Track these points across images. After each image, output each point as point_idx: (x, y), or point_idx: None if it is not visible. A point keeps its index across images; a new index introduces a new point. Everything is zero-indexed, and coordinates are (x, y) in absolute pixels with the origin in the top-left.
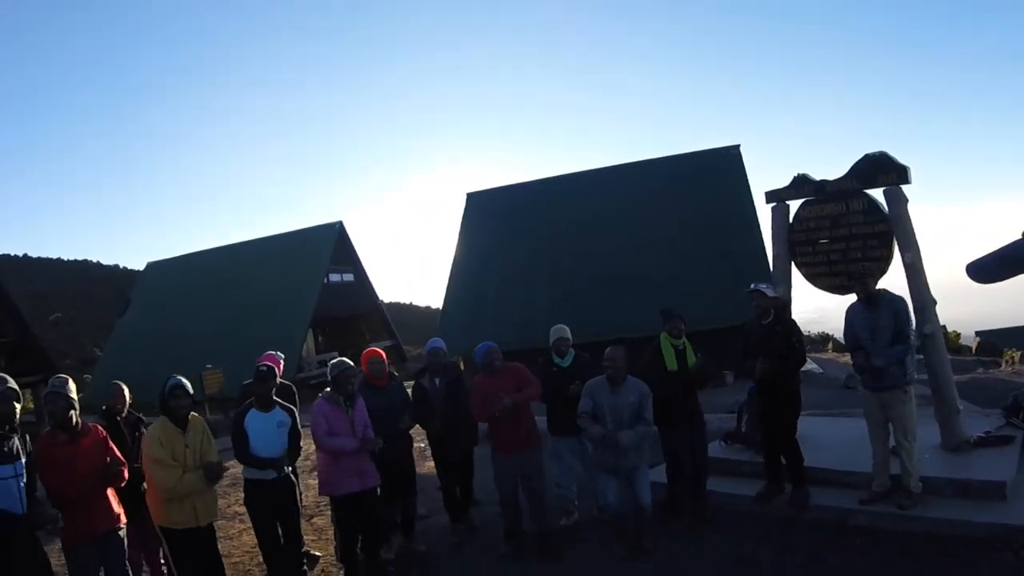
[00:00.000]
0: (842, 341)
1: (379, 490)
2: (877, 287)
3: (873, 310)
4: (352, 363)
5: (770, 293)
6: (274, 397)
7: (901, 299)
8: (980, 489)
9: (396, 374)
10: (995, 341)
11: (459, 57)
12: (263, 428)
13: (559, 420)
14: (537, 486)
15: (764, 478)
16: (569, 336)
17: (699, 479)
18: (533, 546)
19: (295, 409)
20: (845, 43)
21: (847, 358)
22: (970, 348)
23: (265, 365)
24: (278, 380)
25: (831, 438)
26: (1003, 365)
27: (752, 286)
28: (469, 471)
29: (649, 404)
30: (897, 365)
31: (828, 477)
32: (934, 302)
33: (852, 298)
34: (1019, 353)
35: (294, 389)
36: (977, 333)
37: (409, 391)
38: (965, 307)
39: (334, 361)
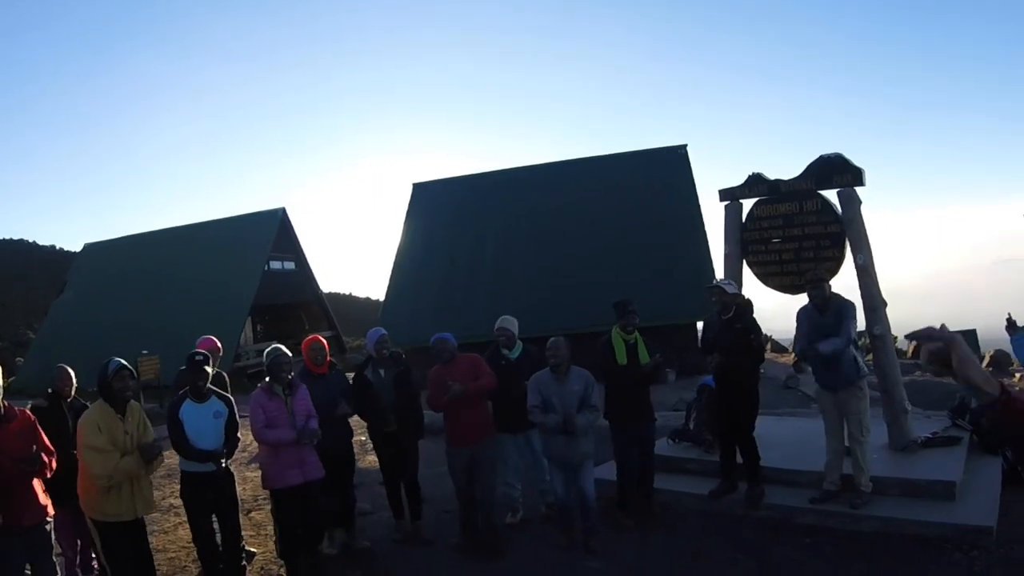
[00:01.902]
0: (780, 342)
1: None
2: (831, 291)
3: (824, 314)
4: (287, 350)
5: (730, 290)
6: (210, 386)
7: (850, 303)
8: (929, 489)
9: (336, 364)
10: None
11: (410, 44)
12: (198, 419)
13: (504, 416)
14: (486, 479)
15: (712, 476)
16: (510, 328)
17: (645, 477)
18: (479, 540)
19: (232, 399)
20: (802, 44)
21: (787, 358)
22: (905, 352)
23: (201, 353)
24: (214, 368)
25: (776, 437)
26: None
27: (714, 282)
28: (415, 466)
29: (594, 390)
30: (849, 363)
31: (775, 476)
32: (884, 304)
33: (800, 299)
34: None
35: (225, 377)
36: (910, 336)
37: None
38: (898, 311)
39: (268, 349)
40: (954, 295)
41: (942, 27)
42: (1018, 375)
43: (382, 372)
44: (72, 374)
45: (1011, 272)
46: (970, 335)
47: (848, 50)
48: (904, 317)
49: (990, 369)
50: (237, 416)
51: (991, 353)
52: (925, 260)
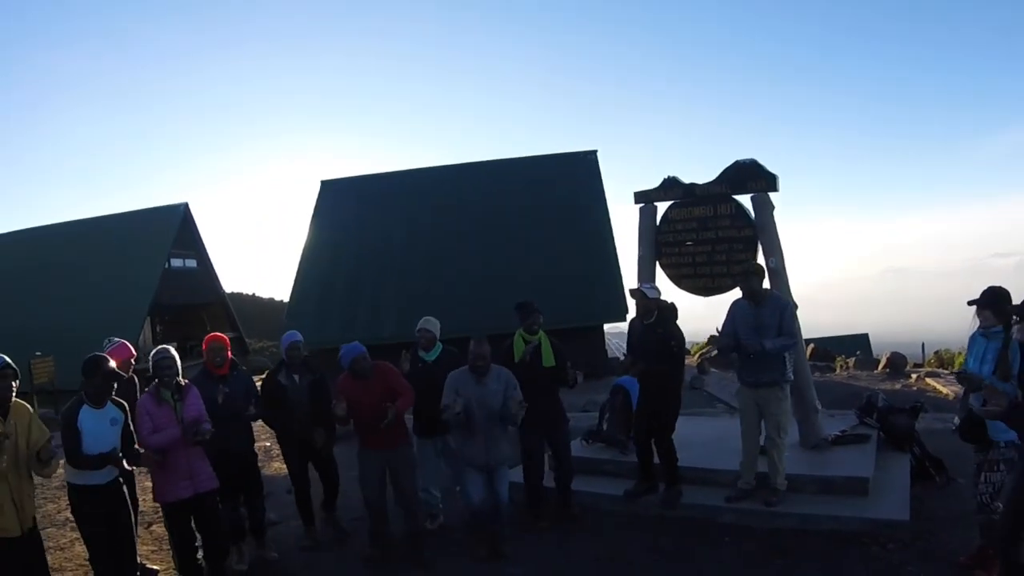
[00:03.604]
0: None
1: (219, 492)
2: (764, 287)
3: (759, 309)
4: (173, 352)
5: (650, 294)
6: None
7: (789, 302)
8: (843, 485)
9: (239, 364)
10: (827, 348)
11: (318, 45)
12: (97, 427)
13: (423, 420)
14: (407, 486)
15: (628, 477)
16: (431, 328)
17: (563, 479)
18: (400, 550)
19: (126, 405)
20: (724, 51)
21: (690, 360)
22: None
23: (97, 356)
24: (114, 379)
25: (690, 437)
26: (837, 370)
27: (636, 286)
28: (334, 472)
29: (515, 381)
30: (778, 363)
31: (692, 475)
32: (796, 306)
33: (710, 301)
34: (852, 359)
35: (136, 380)
36: (808, 340)
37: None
38: (800, 316)
39: (153, 351)
40: (848, 301)
41: (843, 46)
42: (915, 376)
43: (296, 377)
44: None
45: (899, 281)
46: (862, 339)
47: (758, 59)
48: (806, 322)
49: (887, 371)
50: (131, 424)
51: (887, 356)
52: (821, 268)
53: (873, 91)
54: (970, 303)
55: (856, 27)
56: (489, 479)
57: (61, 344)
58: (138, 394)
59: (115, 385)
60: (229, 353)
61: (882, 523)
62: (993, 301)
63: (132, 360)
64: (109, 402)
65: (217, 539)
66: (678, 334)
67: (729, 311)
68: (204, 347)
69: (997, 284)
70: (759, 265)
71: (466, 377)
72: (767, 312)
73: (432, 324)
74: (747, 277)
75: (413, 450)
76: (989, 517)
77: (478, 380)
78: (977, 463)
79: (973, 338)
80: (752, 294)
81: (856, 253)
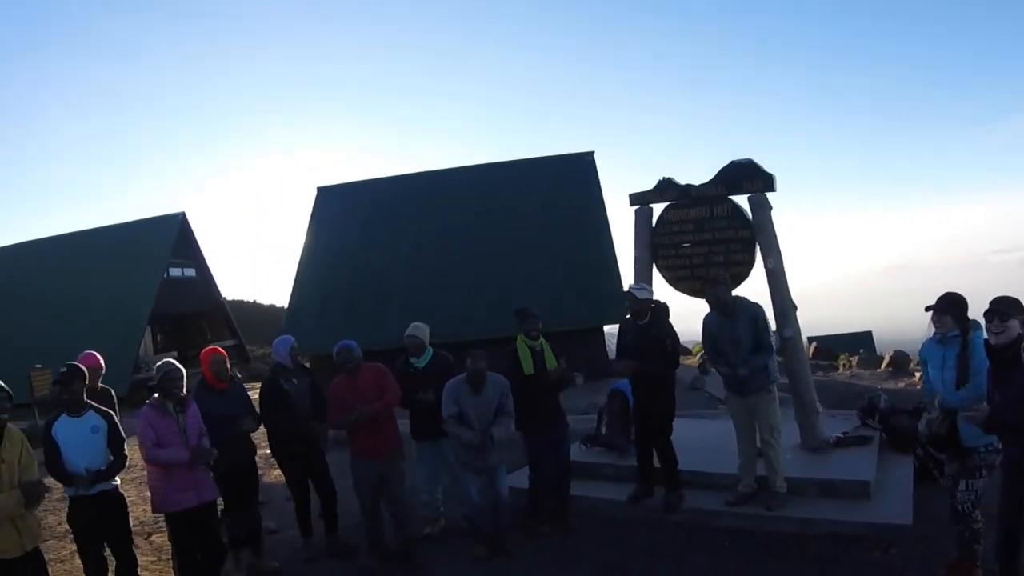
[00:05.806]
0: (684, 344)
1: (220, 503)
2: (734, 294)
3: (731, 320)
4: (178, 364)
5: (640, 295)
6: (87, 400)
7: (758, 306)
8: (844, 489)
9: (238, 376)
10: (830, 346)
11: (314, 48)
12: (75, 435)
13: (420, 424)
14: (397, 493)
15: (627, 481)
16: (419, 335)
17: (562, 483)
18: (396, 558)
19: (112, 412)
20: (722, 50)
21: (691, 361)
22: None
23: (68, 364)
24: (86, 382)
25: (690, 440)
26: (840, 369)
27: (627, 288)
28: (329, 483)
29: (509, 395)
30: (761, 370)
31: (691, 479)
32: (794, 307)
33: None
34: (855, 358)
35: (112, 393)
36: (810, 338)
37: (250, 393)
38: (802, 314)
39: (160, 363)
40: (853, 298)
41: (837, 32)
42: (918, 374)
43: (295, 381)
44: None
45: (902, 277)
46: (866, 336)
47: (753, 55)
48: (809, 320)
49: (890, 369)
50: (122, 431)
51: (890, 354)
52: (825, 264)
53: (876, 82)
54: (927, 309)
55: (854, 19)
56: (489, 479)
57: (61, 357)
58: (115, 405)
59: (85, 382)
60: (229, 367)
61: (884, 527)
62: (955, 307)
63: (101, 369)
64: (92, 411)
65: (216, 549)
66: (672, 333)
67: (703, 327)
68: (205, 361)
69: (955, 291)
70: (723, 273)
71: (463, 388)
72: (741, 325)
73: (419, 330)
74: (713, 286)
75: (403, 458)
76: (968, 527)
77: (474, 390)
78: (951, 473)
79: (928, 348)
80: (720, 305)
81: (859, 249)
